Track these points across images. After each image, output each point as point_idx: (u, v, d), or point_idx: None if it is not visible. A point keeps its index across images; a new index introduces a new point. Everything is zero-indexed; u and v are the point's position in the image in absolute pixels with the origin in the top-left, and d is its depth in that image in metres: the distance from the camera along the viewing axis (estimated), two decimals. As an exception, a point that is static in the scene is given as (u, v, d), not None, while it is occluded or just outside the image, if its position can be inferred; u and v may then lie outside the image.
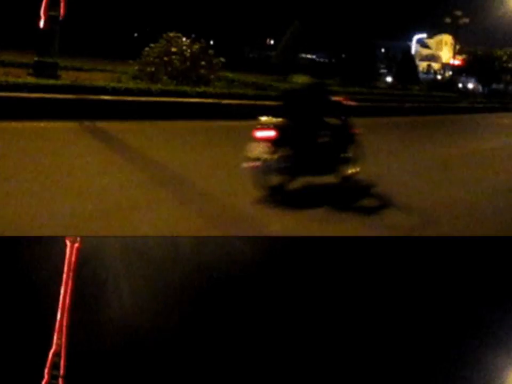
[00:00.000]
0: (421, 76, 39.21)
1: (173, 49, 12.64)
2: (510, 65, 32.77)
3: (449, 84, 28.21)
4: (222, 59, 13.62)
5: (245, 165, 4.96)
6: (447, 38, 56.06)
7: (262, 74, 18.52)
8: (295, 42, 20.74)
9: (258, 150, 4.92)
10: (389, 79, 24.57)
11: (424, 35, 59.92)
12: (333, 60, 27.16)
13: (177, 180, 5.77)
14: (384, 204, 5.37)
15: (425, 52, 58.83)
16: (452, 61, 36.35)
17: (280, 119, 5.03)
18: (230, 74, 15.16)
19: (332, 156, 5.48)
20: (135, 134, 8.05)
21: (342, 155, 5.60)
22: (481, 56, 33.94)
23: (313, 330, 5.14)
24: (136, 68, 12.36)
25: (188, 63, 12.61)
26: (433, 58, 57.54)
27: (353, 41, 26.79)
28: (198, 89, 11.27)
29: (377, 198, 5.52)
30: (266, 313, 5.09)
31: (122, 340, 4.87)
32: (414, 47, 52.99)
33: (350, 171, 5.76)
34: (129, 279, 5.02)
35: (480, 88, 32.95)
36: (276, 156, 4.92)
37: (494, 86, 32.87)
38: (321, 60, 28.23)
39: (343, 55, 26.93)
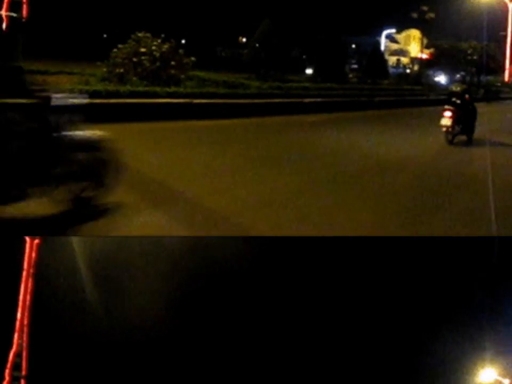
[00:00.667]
0: (391, 70, 39.66)
1: (142, 50, 12.42)
2: (474, 57, 33.48)
3: (417, 77, 28.64)
4: (193, 58, 13.45)
5: (442, 129, 10.06)
6: (415, 33, 56.76)
7: (234, 73, 18.40)
8: (266, 39, 20.65)
9: (445, 122, 9.99)
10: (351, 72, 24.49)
11: (393, 30, 60.56)
12: (304, 57, 27.19)
13: (149, 182, 5.63)
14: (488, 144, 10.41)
15: (394, 46, 59.53)
16: (420, 55, 36.91)
17: (452, 107, 10.08)
18: (201, 74, 14.99)
19: (469, 126, 10.45)
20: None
21: (471, 126, 10.55)
22: (447, 50, 34.55)
23: (309, 330, 5.11)
24: (105, 69, 12.08)
25: (158, 63, 12.40)
26: (402, 52, 58.26)
27: (324, 38, 26.88)
28: (168, 90, 11.09)
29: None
30: (264, 313, 5.04)
31: (88, 339, 4.72)
32: (383, 42, 53.55)
33: (471, 134, 10.65)
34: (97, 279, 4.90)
35: (445, 80, 33.54)
36: (451, 126, 10.02)
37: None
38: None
39: (315, 52, 26.99)
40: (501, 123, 15.88)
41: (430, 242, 4.98)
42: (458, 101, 10.05)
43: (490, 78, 35.31)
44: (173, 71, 12.59)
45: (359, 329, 5.21)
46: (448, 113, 9.95)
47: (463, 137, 10.36)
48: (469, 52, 34.65)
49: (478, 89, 27.04)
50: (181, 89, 11.64)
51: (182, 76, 12.90)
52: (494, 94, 27.74)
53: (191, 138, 8.68)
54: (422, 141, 10.76)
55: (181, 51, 13.33)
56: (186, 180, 5.76)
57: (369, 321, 5.25)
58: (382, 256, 5.14)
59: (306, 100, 14.75)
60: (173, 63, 12.77)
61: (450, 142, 10.02)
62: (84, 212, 4.33)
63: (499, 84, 33.79)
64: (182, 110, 10.71)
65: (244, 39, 35.54)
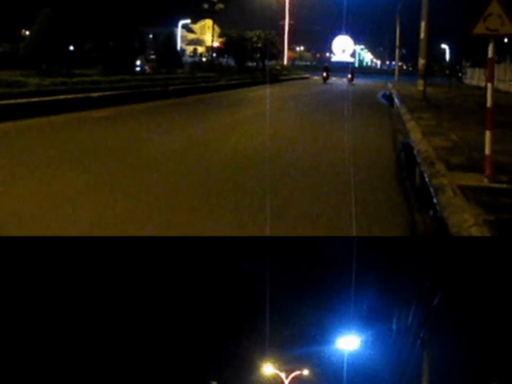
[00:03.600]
0: (189, 59, 40.06)
1: None
2: (259, 45, 36.02)
3: (210, 64, 29.48)
4: None
5: (323, 76, 33.91)
6: (209, 23, 58.40)
7: (10, 70, 15.98)
8: (46, 31, 18.36)
9: (324, 76, 33.41)
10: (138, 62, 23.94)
11: (188, 21, 61.26)
12: (91, 48, 25.21)
13: None
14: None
15: (190, 36, 60.39)
16: (215, 44, 38.10)
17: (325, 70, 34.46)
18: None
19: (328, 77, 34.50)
20: None
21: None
22: (236, 38, 36.39)
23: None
24: None
25: None
26: (198, 42, 59.55)
27: (118, 29, 25.37)
28: None
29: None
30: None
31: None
32: (180, 32, 53.76)
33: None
34: None
35: (233, 66, 35.47)
36: (326, 77, 33.52)
37: (249, 64, 35.86)
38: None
39: (108, 44, 25.31)
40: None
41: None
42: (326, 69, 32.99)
43: (272, 62, 38.60)
44: None
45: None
46: (324, 72, 31.70)
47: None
48: (254, 39, 37.06)
49: (263, 73, 29.27)
50: None
51: None
52: (274, 76, 30.37)
53: None
54: (208, 121, 11.03)
55: None
56: None
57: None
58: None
59: (95, 95, 13.66)
60: None
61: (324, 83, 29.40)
62: None
63: (279, 68, 37.20)
64: None
65: (27, 32, 31.35)
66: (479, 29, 5.39)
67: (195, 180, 5.84)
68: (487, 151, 5.44)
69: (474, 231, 3.85)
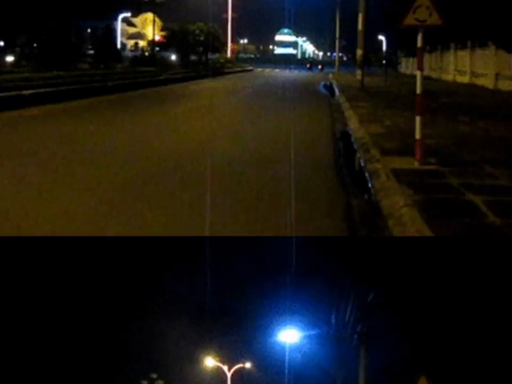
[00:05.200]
0: (130, 53, 38.77)
1: None
2: (201, 38, 35.45)
3: (151, 59, 28.66)
4: None
5: (307, 67, 48.82)
6: (150, 16, 56.75)
7: None
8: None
9: (308, 66, 49.13)
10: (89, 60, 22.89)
11: (129, 14, 59.17)
12: (35, 44, 23.68)
13: None
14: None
15: (131, 30, 58.43)
16: (156, 38, 37.08)
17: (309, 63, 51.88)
18: None
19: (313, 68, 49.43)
20: None
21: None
22: (178, 32, 35.62)
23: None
24: None
25: None
26: (139, 36, 57.75)
27: (53, 23, 24.02)
28: None
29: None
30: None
31: None
32: (119, 26, 51.82)
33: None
34: None
35: (177, 60, 34.76)
36: (309, 67, 48.35)
37: (192, 57, 35.24)
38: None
39: (41, 38, 23.88)
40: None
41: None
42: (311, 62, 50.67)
43: (216, 55, 38.19)
44: None
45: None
46: (307, 64, 47.21)
47: None
48: (197, 33, 36.46)
49: (206, 66, 28.85)
50: None
51: None
52: (218, 69, 30.06)
53: None
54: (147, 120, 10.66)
55: None
56: None
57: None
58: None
59: (27, 92, 12.86)
60: None
61: (309, 70, 43.62)
62: None
63: (223, 61, 36.90)
64: None
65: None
66: (409, 19, 5.52)
67: (122, 180, 5.60)
68: (417, 135, 5.60)
69: (405, 212, 3.94)
